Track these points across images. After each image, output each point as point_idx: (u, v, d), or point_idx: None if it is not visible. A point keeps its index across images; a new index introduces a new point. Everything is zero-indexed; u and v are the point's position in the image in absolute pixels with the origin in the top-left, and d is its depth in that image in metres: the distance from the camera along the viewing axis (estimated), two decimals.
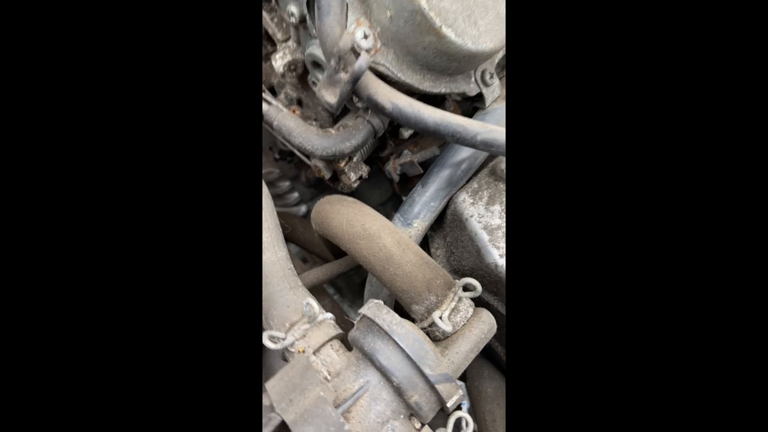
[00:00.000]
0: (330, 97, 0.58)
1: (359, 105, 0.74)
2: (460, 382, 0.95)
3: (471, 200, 0.73)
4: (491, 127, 0.64)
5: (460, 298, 0.63)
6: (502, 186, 0.72)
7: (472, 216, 0.71)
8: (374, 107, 0.60)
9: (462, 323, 0.62)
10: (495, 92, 0.76)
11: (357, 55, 0.55)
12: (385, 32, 0.59)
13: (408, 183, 0.95)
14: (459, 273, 0.77)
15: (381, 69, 0.61)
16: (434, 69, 0.64)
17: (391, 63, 0.61)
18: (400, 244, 0.64)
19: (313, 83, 0.79)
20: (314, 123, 0.88)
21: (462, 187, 0.76)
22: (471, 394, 0.90)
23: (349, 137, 0.73)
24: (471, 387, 0.90)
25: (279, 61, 0.78)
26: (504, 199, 0.70)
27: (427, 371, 0.54)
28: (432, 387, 0.54)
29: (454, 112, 0.92)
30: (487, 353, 0.89)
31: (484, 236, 0.68)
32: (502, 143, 0.64)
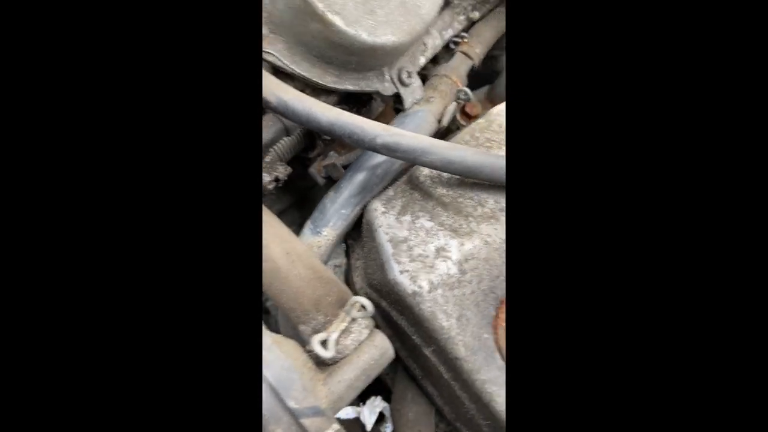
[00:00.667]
0: None
1: None
2: (384, 404, 0.89)
3: (383, 209, 0.66)
4: (395, 130, 0.57)
5: (353, 319, 0.57)
6: (418, 195, 0.65)
7: (381, 226, 0.64)
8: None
9: (353, 347, 0.56)
10: (415, 93, 0.69)
11: None
12: (271, 17, 0.53)
13: None
14: (372, 287, 0.70)
15: (270, 58, 0.55)
16: (334, 63, 0.57)
17: (281, 53, 0.55)
18: (289, 255, 0.57)
19: None
20: None
21: (378, 195, 0.69)
22: (393, 418, 0.84)
23: None
24: (393, 410, 0.83)
25: None
26: (417, 209, 0.64)
27: (291, 404, 0.47)
28: (296, 421, 0.48)
29: (384, 113, 0.86)
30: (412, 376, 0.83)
31: (388, 249, 0.61)
32: (408, 148, 0.57)
